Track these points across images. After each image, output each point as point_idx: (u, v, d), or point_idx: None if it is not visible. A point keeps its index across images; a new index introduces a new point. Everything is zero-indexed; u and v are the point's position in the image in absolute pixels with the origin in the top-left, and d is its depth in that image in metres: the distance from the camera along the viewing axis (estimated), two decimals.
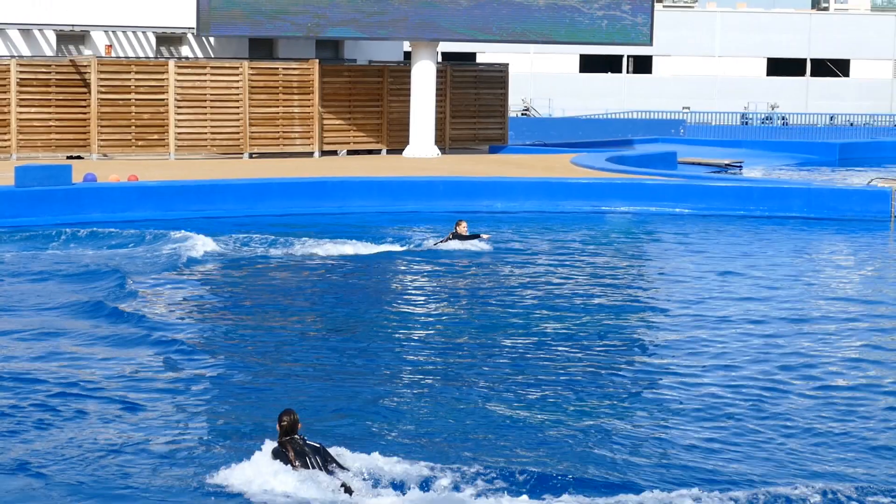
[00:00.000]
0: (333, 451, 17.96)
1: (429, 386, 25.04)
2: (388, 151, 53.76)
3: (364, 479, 17.76)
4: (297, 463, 17.07)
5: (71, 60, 51.43)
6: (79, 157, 47.67)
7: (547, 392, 24.40)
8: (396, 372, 25.83)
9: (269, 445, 17.15)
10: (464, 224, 35.96)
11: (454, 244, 35.44)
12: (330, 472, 17.26)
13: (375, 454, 18.93)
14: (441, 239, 36.00)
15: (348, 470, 17.54)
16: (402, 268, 35.36)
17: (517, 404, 23.71)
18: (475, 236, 35.65)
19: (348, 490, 17.30)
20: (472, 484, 17.32)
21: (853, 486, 17.83)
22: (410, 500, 17.28)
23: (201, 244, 36.30)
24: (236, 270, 34.98)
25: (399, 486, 18.23)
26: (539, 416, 22.82)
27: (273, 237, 38.43)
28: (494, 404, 23.39)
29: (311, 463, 17.19)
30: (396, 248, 36.69)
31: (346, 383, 25.00)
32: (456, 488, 17.52)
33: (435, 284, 33.54)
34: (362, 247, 36.42)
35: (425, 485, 17.96)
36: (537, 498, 17.05)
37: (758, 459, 19.27)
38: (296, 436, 17.31)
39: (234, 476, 17.20)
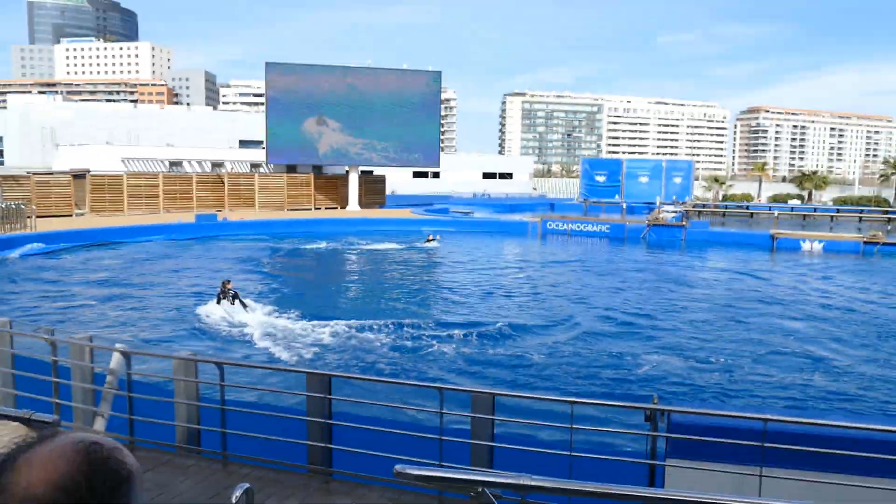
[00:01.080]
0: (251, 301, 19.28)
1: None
2: (341, 209, 53.62)
3: (260, 313, 18.54)
4: (222, 301, 18.38)
5: (216, 174, 50.96)
6: (220, 210, 47.24)
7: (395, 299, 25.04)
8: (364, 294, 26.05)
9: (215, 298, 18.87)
10: (431, 235, 37.53)
11: (434, 243, 36.74)
12: (233, 303, 18.42)
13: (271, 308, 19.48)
14: (424, 240, 36.99)
15: (247, 305, 18.58)
16: (410, 252, 35.58)
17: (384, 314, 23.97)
18: (434, 239, 37.07)
19: (243, 305, 18.57)
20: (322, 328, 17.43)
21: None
22: (268, 320, 18.01)
23: (323, 244, 37.14)
24: (327, 253, 35.10)
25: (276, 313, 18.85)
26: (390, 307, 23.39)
27: (348, 239, 39.48)
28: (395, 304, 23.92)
29: (229, 300, 18.35)
30: (404, 245, 37.32)
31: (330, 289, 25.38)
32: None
33: (423, 258, 34.10)
34: (391, 244, 37.26)
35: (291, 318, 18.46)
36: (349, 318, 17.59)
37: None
38: (226, 289, 18.56)
39: (200, 309, 18.71)
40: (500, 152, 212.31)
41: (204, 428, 7.60)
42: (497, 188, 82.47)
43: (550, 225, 46.04)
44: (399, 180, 73.45)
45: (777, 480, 5.91)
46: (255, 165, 56.54)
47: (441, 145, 59.63)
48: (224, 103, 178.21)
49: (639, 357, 15.38)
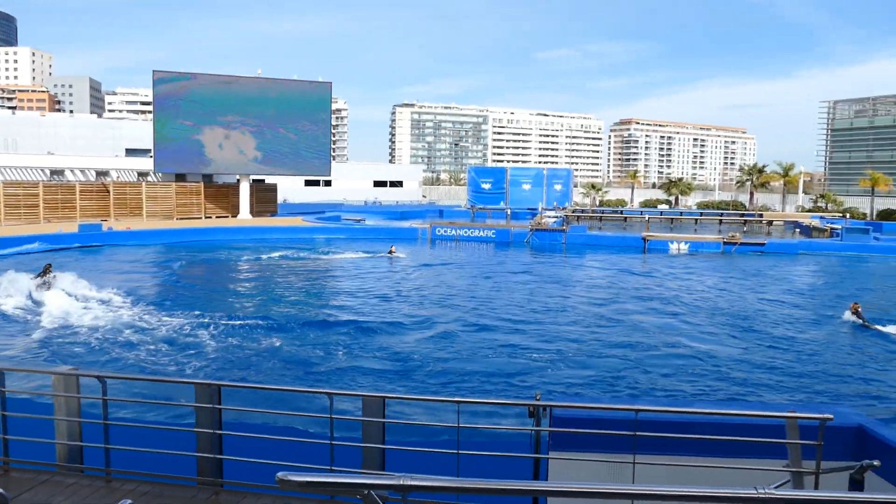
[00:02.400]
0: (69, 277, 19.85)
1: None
2: (232, 217, 52.02)
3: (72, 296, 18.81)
4: (38, 280, 19.13)
5: (101, 182, 48.29)
6: (105, 220, 44.89)
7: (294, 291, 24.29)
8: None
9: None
10: (393, 246, 36.38)
11: (395, 253, 35.46)
12: (49, 277, 19.38)
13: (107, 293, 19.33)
14: (388, 252, 35.62)
15: (50, 287, 19.26)
16: (373, 262, 34.11)
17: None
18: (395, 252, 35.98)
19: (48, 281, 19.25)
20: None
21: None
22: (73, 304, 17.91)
23: (275, 254, 35.70)
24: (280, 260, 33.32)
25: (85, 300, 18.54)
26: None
27: (312, 247, 38.54)
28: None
29: (46, 283, 19.32)
30: (366, 254, 35.99)
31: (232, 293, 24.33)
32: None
33: (381, 264, 32.70)
34: (355, 253, 36.28)
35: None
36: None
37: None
38: (47, 271, 19.76)
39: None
40: (390, 161, 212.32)
41: (86, 445, 7.17)
42: (388, 196, 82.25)
43: (439, 231, 46.34)
44: (291, 188, 72.08)
45: (648, 466, 6.13)
46: (142, 174, 53.96)
47: (332, 154, 59.05)
48: (110, 111, 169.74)
49: (524, 354, 15.66)
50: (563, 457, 6.57)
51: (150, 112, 55.48)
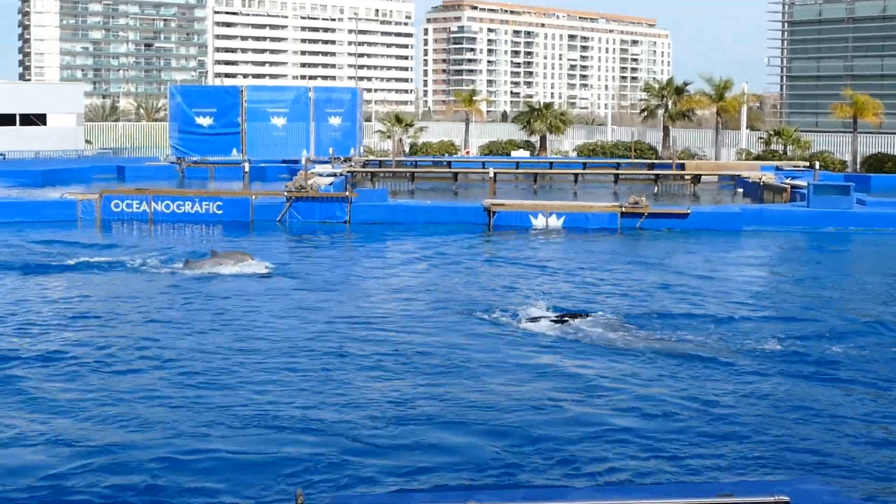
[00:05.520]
0: None
1: None
2: None
3: None
4: None
5: None
6: None
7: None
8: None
9: None
10: None
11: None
12: None
13: None
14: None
15: None
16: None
17: None
18: None
19: None
20: None
21: None
22: None
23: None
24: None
25: None
26: None
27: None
28: None
29: None
30: None
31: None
32: None
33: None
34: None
35: None
36: None
37: None
38: None
39: None
40: (22, 77, 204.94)
41: None
42: (20, 142, 79.27)
43: (118, 205, 44.95)
44: None
45: None
46: None
47: None
48: None
49: (274, 423, 15.52)
50: None
51: None
